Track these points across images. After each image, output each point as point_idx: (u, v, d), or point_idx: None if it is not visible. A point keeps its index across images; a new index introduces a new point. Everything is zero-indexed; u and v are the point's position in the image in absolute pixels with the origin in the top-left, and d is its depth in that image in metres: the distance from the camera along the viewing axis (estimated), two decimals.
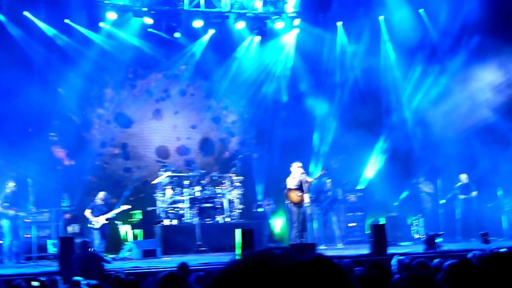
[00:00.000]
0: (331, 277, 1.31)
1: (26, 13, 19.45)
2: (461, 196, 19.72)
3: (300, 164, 16.86)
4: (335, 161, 21.79)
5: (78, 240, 14.00)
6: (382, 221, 19.53)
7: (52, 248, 17.90)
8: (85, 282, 9.60)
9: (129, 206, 18.32)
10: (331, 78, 22.19)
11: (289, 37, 22.01)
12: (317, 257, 1.35)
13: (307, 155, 21.08)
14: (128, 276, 9.89)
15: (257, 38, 21.66)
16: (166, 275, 7.00)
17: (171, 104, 21.95)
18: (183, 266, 10.03)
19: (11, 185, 16.83)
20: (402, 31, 21.23)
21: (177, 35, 20.63)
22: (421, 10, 21.74)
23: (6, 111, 18.89)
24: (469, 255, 10.76)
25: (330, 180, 19.51)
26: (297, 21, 21.41)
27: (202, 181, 19.16)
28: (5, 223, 16.58)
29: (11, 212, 16.52)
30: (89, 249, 13.64)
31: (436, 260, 10.70)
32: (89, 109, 21.14)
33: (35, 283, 9.71)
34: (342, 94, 22.28)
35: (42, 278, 11.15)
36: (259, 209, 20.56)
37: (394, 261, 9.50)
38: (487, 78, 21.15)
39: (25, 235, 17.09)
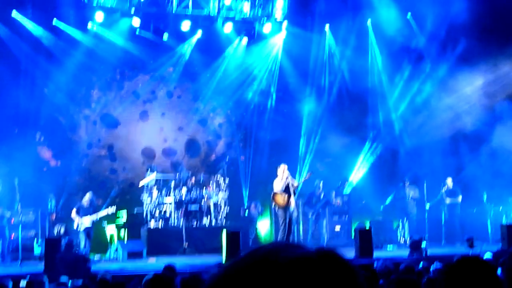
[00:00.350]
0: (338, 269, 1.28)
1: (14, 12, 19.39)
2: (448, 200, 19.81)
3: (286, 167, 16.88)
4: (321, 165, 21.87)
5: (63, 240, 13.98)
6: (367, 225, 19.63)
7: (37, 248, 17.87)
8: (71, 282, 9.59)
9: (114, 209, 18.30)
10: (319, 81, 22.26)
11: (276, 40, 22.05)
12: (322, 250, 1.31)
13: (293, 158, 21.11)
14: (113, 278, 9.89)
15: (245, 40, 21.68)
16: (152, 277, 7.02)
17: (158, 106, 21.92)
18: (169, 268, 10.03)
19: None
20: (389, 35, 21.37)
21: (165, 37, 20.62)
22: (408, 15, 21.86)
23: None
24: (455, 259, 10.85)
25: (322, 182, 19.53)
26: (285, 24, 21.46)
27: (188, 183, 19.14)
28: None
29: None
30: (74, 250, 13.61)
31: (421, 264, 10.81)
32: (76, 109, 21.09)
33: (23, 283, 9.69)
34: (329, 97, 22.37)
35: (28, 279, 11.14)
36: (245, 212, 20.58)
37: (378, 265, 9.54)
38: (474, 82, 21.27)
39: (11, 235, 17.06)
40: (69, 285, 9.31)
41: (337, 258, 1.31)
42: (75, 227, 17.48)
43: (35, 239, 18.04)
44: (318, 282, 1.24)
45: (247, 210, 20.56)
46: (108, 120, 21.36)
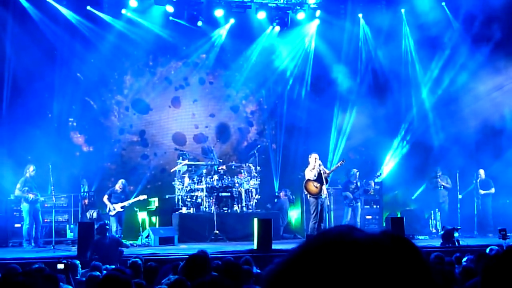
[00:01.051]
0: (410, 250, 1.26)
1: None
2: (481, 192, 19.64)
3: (318, 156, 16.84)
4: (353, 153, 21.79)
5: (96, 224, 14.08)
6: (399, 214, 19.54)
7: (70, 233, 18.06)
8: (104, 267, 9.65)
9: (145, 197, 18.39)
10: (351, 70, 22.01)
11: (310, 28, 21.93)
12: (390, 232, 1.30)
13: (324, 146, 21.05)
14: (147, 262, 9.94)
15: (277, 28, 21.59)
16: (191, 256, 7.08)
17: (190, 92, 21.98)
18: (203, 253, 10.05)
19: (31, 169, 16.96)
20: (423, 23, 21.14)
21: (198, 23, 20.62)
22: (443, 3, 21.59)
23: (26, 94, 19.07)
24: (487, 250, 10.78)
25: (358, 171, 19.38)
26: (318, 12, 21.35)
27: (220, 171, 19.17)
28: (25, 207, 16.74)
29: (31, 196, 16.66)
30: (107, 233, 13.69)
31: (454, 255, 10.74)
32: (108, 95, 21.22)
33: (60, 266, 9.77)
34: (361, 86, 22.15)
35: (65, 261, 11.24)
36: (276, 199, 20.59)
37: None
38: (509, 72, 20.97)
39: (45, 220, 17.26)
40: (103, 268, 9.35)
41: (405, 239, 1.29)
42: (107, 211, 17.66)
43: (68, 223, 18.24)
44: (395, 260, 1.23)
45: (277, 198, 20.57)
46: (140, 106, 21.47)
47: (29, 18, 19.36)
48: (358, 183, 19.12)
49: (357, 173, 19.28)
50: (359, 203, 19.10)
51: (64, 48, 19.99)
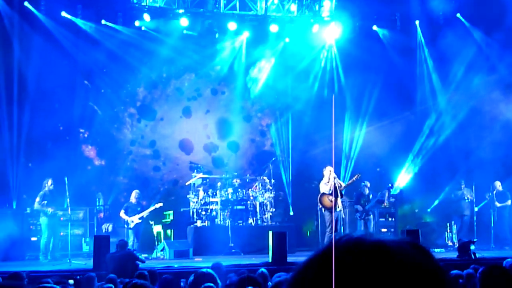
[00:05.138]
0: (426, 253, 1.27)
1: (63, 13, 19.68)
2: (497, 204, 19.50)
3: (332, 169, 16.81)
4: (368, 166, 21.71)
5: (116, 240, 14.11)
6: (413, 227, 19.44)
7: (85, 246, 18.12)
8: (119, 280, 9.67)
9: (161, 204, 18.39)
10: (366, 80, 21.88)
11: (323, 40, 21.94)
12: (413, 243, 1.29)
13: (338, 160, 20.99)
14: (161, 275, 9.96)
15: (288, 40, 21.69)
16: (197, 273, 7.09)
17: (203, 103, 22.03)
18: (217, 267, 10.08)
19: (49, 183, 17.09)
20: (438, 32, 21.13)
21: (212, 36, 20.74)
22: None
23: (38, 107, 19.18)
24: (504, 263, 10.70)
25: (369, 183, 19.21)
26: (332, 23, 21.33)
27: (235, 183, 19.19)
28: (44, 220, 16.87)
29: (50, 210, 16.78)
30: (126, 249, 13.71)
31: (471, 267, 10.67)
32: (121, 108, 21.32)
33: (71, 281, 9.83)
34: (378, 95, 21.95)
35: (77, 277, 11.29)
36: (291, 212, 20.59)
37: None
38: None
39: (60, 233, 17.34)
40: (118, 282, 9.37)
41: (420, 245, 1.30)
42: (125, 226, 17.67)
43: (84, 237, 18.31)
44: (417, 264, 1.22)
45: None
46: (151, 116, 21.51)
47: (39, 26, 19.39)
48: (370, 196, 18.94)
49: (368, 185, 19.09)
50: (371, 216, 18.81)
51: (75, 57, 20.01)
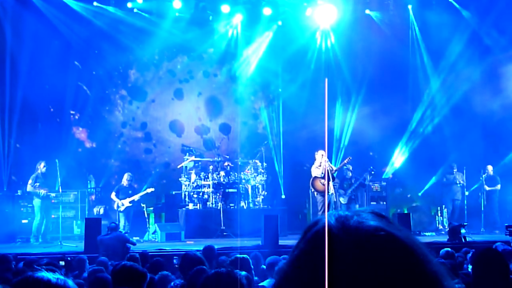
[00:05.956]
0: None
1: None
2: (487, 188, 19.56)
3: (324, 152, 16.81)
4: (359, 150, 21.70)
5: (107, 223, 14.12)
6: (405, 211, 19.51)
7: (77, 229, 18.11)
8: (110, 262, 9.68)
9: (153, 189, 18.37)
10: (358, 64, 21.84)
11: (316, 23, 21.82)
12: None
13: (329, 144, 20.97)
14: (153, 257, 9.97)
15: (280, 23, 21.62)
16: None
17: (195, 86, 21.95)
18: (209, 249, 10.10)
19: (41, 165, 17.05)
20: (433, 21, 21.06)
21: (206, 18, 20.65)
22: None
23: (29, 88, 19.06)
24: (493, 247, 10.76)
25: (351, 167, 19.07)
26: (325, 7, 21.19)
27: (227, 167, 19.18)
28: (36, 202, 16.84)
29: (42, 191, 16.74)
30: (117, 232, 13.71)
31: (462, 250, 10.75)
32: (112, 89, 21.23)
33: (62, 263, 9.83)
34: (370, 79, 21.91)
35: (68, 258, 11.28)
36: (283, 196, 20.60)
37: None
38: None
39: (51, 216, 17.32)
40: (108, 265, 9.37)
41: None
42: (115, 208, 17.67)
43: (75, 219, 18.30)
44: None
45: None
46: (142, 97, 21.41)
47: (31, 7, 19.13)
48: (353, 180, 18.82)
49: (350, 168, 18.86)
50: (355, 201, 18.54)
51: (67, 38, 19.81)
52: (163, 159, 21.44)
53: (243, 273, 5.34)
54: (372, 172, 19.12)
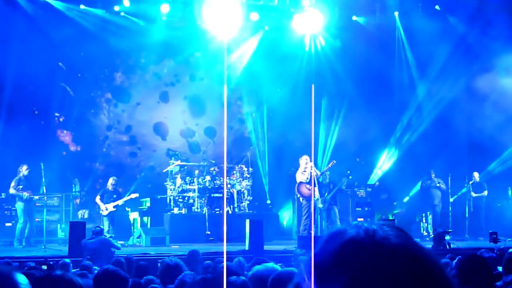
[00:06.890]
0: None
1: None
2: (473, 194, 19.62)
3: (308, 158, 16.83)
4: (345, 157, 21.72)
5: (92, 226, 14.05)
6: (390, 217, 19.53)
7: (61, 232, 18.02)
8: (94, 267, 9.63)
9: (137, 195, 18.33)
10: (344, 70, 21.86)
11: (303, 29, 21.81)
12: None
13: (315, 149, 20.98)
14: (138, 261, 9.93)
15: (267, 28, 21.62)
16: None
17: (181, 89, 21.88)
18: (193, 253, 10.06)
19: (23, 168, 16.95)
20: (417, 26, 21.12)
21: (194, 23, 20.61)
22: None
23: (13, 90, 18.92)
24: (477, 253, 10.79)
25: (329, 173, 18.94)
26: (312, 13, 21.19)
27: (212, 171, 19.14)
28: (19, 205, 16.72)
29: (26, 194, 16.64)
30: (101, 236, 13.64)
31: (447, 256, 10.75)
32: (98, 92, 21.14)
33: (44, 267, 9.76)
34: (357, 85, 21.92)
35: (51, 262, 11.20)
36: (268, 201, 20.59)
37: None
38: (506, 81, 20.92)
39: (35, 219, 17.21)
40: (92, 269, 9.33)
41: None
42: (99, 212, 17.60)
43: (59, 223, 18.21)
44: None
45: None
46: (127, 100, 21.32)
47: (20, 9, 19.04)
48: (331, 185, 18.41)
49: (327, 174, 18.74)
50: (334, 207, 18.13)
51: (53, 40, 19.55)
52: (148, 163, 21.36)
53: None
54: (350, 177, 19.04)
